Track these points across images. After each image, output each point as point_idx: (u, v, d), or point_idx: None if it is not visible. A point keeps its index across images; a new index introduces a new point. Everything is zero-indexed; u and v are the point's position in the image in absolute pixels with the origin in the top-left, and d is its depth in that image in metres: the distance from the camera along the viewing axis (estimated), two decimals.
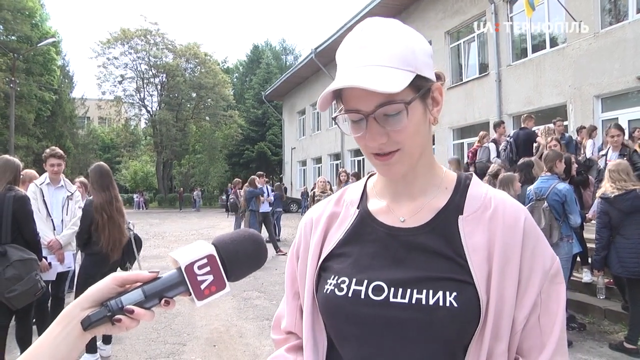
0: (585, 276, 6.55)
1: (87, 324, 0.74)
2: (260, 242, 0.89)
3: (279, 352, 1.14)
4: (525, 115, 9.14)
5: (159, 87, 43.37)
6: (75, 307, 0.76)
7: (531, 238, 0.95)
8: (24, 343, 4.25)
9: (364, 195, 1.11)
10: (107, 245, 4.41)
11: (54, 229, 5.05)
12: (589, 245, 6.18)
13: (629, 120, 10.89)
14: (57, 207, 5.18)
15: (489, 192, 1.01)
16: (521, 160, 6.40)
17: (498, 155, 8.98)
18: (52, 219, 5.12)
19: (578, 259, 6.38)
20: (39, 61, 31.97)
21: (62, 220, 5.13)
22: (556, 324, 0.94)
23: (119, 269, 4.85)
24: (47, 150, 5.31)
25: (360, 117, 0.91)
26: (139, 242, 5.14)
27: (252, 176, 12.33)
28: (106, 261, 4.48)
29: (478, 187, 1.02)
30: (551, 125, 8.75)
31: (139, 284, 0.79)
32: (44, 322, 4.88)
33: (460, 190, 1.02)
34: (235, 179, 16.24)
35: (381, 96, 0.87)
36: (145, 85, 43.18)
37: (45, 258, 4.66)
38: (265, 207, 11.76)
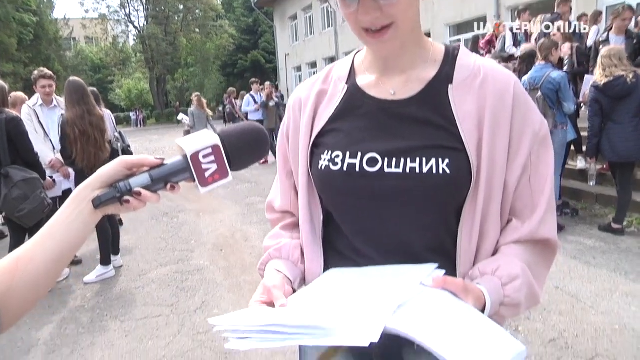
0: (579, 163, 6.65)
1: (98, 203, 0.79)
2: (263, 134, 0.91)
3: (274, 231, 1.19)
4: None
5: (144, 0, 41.45)
6: (86, 188, 0.81)
7: (521, 103, 0.97)
8: None
9: (352, 71, 1.10)
10: (82, 160, 4.33)
11: (54, 149, 5.11)
12: (582, 134, 6.21)
13: (637, 4, 10.40)
14: (53, 127, 5.20)
15: (478, 61, 1.01)
16: (523, 50, 6.14)
17: (514, 45, 8.44)
18: (50, 139, 5.16)
19: (572, 148, 6.47)
20: None
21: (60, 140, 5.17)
22: (546, 184, 0.98)
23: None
24: (36, 72, 5.24)
25: None
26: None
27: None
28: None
29: (467, 57, 1.02)
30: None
31: (146, 168, 0.82)
32: None
33: (450, 60, 1.02)
34: (230, 88, 15.97)
35: None
36: (129, 0, 41.31)
37: (51, 177, 4.77)
38: (257, 115, 11.62)
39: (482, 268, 0.96)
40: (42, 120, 5.12)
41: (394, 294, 0.84)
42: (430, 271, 0.93)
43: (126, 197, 0.80)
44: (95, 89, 5.74)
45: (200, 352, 3.23)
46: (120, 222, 6.46)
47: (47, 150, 4.97)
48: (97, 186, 0.81)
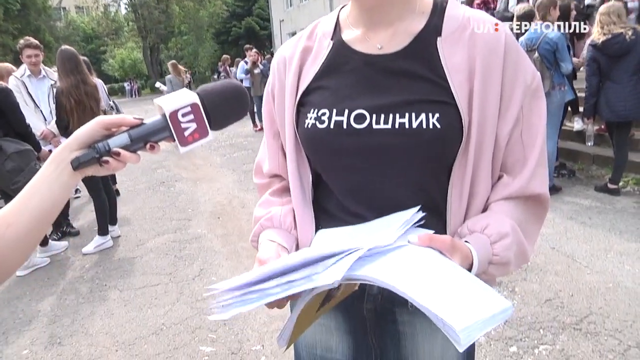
0: (577, 124, 6.60)
1: (77, 164, 0.78)
2: (243, 92, 0.89)
3: (264, 198, 1.16)
4: None
5: None
6: (65, 150, 0.79)
7: (512, 53, 0.93)
8: None
9: (337, 27, 1.06)
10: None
11: (45, 120, 5.06)
12: (579, 94, 6.15)
13: None
14: (43, 98, 5.15)
15: (467, 12, 0.97)
16: (521, 10, 5.99)
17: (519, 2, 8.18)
18: (40, 110, 5.11)
19: (569, 109, 6.42)
20: None
21: (50, 111, 5.11)
22: (538, 137, 0.96)
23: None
24: (21, 42, 5.14)
25: None
26: None
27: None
28: None
29: (455, 8, 0.98)
30: None
31: (124, 128, 0.81)
32: None
33: (438, 12, 0.98)
34: (224, 56, 15.73)
35: None
36: None
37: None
38: (245, 83, 11.49)
39: (471, 226, 0.94)
40: (31, 92, 5.05)
41: (370, 239, 0.82)
42: (410, 216, 0.91)
43: (105, 158, 0.79)
44: (86, 58, 5.66)
45: (199, 319, 3.26)
46: (117, 193, 6.47)
47: (38, 122, 4.91)
48: (75, 147, 0.79)
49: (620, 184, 5.06)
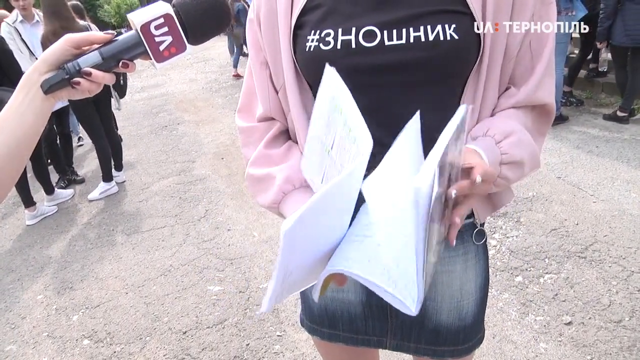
0: None
1: (47, 86, 0.74)
2: (223, 2, 0.83)
3: (259, 153, 1.05)
4: None
5: None
6: (34, 73, 0.75)
7: None
8: (44, 179, 4.50)
9: None
10: None
11: None
12: None
13: None
14: (38, 44, 4.97)
15: None
16: None
17: None
18: (36, 58, 4.98)
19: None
20: None
21: None
22: (546, 47, 0.91)
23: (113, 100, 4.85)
24: None
25: None
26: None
27: None
28: None
29: None
30: None
31: (96, 46, 0.77)
32: (58, 159, 5.08)
33: None
34: None
35: None
36: None
37: None
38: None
39: (473, 133, 0.90)
40: (25, 38, 4.90)
41: None
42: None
43: (76, 79, 0.74)
44: (78, 2, 5.49)
45: (206, 259, 3.31)
46: (120, 138, 6.44)
47: None
48: (44, 69, 0.75)
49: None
